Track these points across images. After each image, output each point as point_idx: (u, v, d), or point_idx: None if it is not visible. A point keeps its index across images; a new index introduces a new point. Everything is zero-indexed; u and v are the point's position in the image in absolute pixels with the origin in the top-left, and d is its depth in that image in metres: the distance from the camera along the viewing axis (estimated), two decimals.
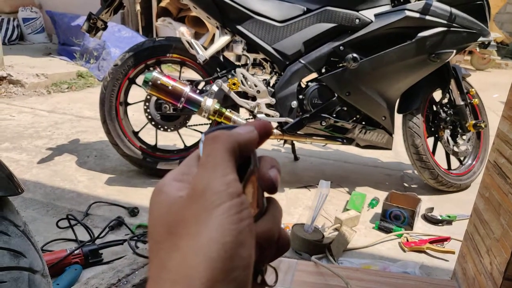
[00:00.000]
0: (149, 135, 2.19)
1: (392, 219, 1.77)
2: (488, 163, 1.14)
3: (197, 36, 5.25)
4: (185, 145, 2.13)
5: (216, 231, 0.24)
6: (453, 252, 1.59)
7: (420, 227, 1.82)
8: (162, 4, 5.21)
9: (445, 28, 1.86)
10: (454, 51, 1.89)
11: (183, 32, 1.88)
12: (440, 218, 1.85)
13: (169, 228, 0.26)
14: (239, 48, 1.91)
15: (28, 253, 0.70)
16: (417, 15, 1.84)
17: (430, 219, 1.86)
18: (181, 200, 0.26)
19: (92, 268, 1.37)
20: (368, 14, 1.89)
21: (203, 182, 0.26)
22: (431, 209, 1.92)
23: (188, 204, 0.26)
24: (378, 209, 1.89)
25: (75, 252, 1.35)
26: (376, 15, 1.88)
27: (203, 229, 0.24)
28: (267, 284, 0.30)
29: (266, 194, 0.30)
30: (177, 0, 1.96)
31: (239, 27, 1.87)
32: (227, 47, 1.97)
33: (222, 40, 1.90)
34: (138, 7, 5.21)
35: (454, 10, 1.87)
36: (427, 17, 1.84)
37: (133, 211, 1.73)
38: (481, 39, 1.94)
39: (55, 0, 5.43)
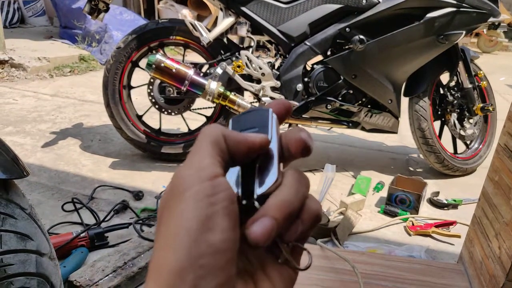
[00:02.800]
0: (153, 118, 2.17)
1: (398, 203, 1.76)
2: (498, 146, 1.12)
3: (199, 18, 5.18)
4: (189, 129, 2.12)
5: (183, 216, 0.23)
6: (459, 236, 1.59)
7: (426, 211, 1.81)
8: None
9: (454, 9, 1.82)
10: (464, 32, 1.85)
11: (186, 14, 1.85)
12: (446, 202, 1.84)
13: (160, 217, 0.25)
14: (243, 30, 1.88)
15: (35, 236, 0.69)
16: None
17: (436, 203, 1.85)
18: (168, 188, 0.26)
19: (98, 251, 1.38)
20: None
21: (180, 168, 0.25)
22: (437, 193, 1.91)
23: (169, 190, 0.25)
24: (384, 193, 1.88)
25: (81, 235, 1.36)
26: None
27: (173, 215, 0.24)
28: (293, 265, 0.27)
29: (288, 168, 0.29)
30: None
31: (244, 9, 1.84)
32: (231, 29, 1.93)
33: (226, 21, 1.87)
34: None
35: None
36: None
37: (138, 195, 1.73)
38: (491, 19, 1.90)
39: None
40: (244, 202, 0.26)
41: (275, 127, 0.29)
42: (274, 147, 0.28)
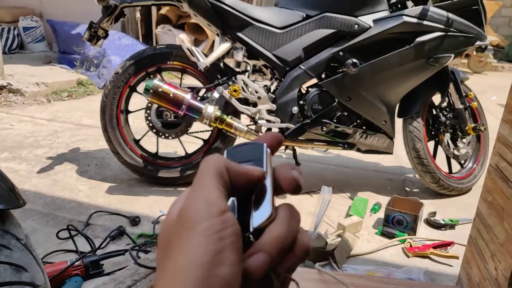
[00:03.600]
0: (150, 142, 2.19)
1: (395, 224, 1.76)
2: (490, 167, 1.13)
3: (196, 42, 5.27)
4: (186, 153, 2.13)
5: (193, 251, 0.24)
6: (457, 257, 1.58)
7: (423, 231, 1.81)
8: (162, 11, 5.23)
9: (442, 33, 1.87)
10: (452, 55, 1.89)
11: (183, 39, 1.89)
12: (443, 222, 1.84)
13: (163, 249, 0.26)
14: (239, 55, 1.92)
15: (29, 267, 0.69)
16: (414, 20, 1.85)
17: (433, 224, 1.86)
18: (173, 220, 0.27)
19: (93, 279, 1.36)
20: (366, 19, 1.89)
21: (187, 202, 0.26)
22: (434, 213, 1.91)
23: (176, 224, 0.26)
24: (381, 214, 1.88)
25: (76, 263, 1.34)
26: (374, 21, 1.89)
27: (182, 250, 0.24)
28: None
29: (282, 201, 0.30)
30: (177, 8, 1.97)
31: (240, 34, 1.88)
32: (228, 53, 1.97)
33: (222, 47, 1.91)
34: (138, 15, 5.24)
35: (451, 15, 1.87)
36: (425, 22, 1.85)
37: (135, 220, 1.72)
38: (478, 43, 1.95)
39: (56, 9, 5.46)
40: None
41: (269, 162, 0.31)
42: (268, 181, 0.30)
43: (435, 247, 1.64)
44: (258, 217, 0.28)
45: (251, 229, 0.27)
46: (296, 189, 0.30)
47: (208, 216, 0.25)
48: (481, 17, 1.96)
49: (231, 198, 0.29)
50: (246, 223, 0.28)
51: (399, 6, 2.03)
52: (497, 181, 1.07)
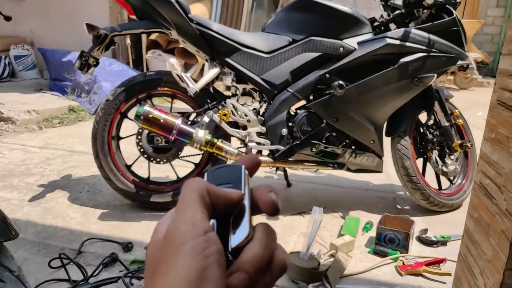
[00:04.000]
0: (142, 167, 2.20)
1: (387, 242, 1.77)
2: (475, 184, 1.16)
3: (186, 66, 5.34)
4: (178, 177, 2.14)
5: (181, 269, 0.26)
6: (449, 274, 1.59)
7: (416, 249, 1.83)
8: (152, 37, 5.31)
9: (425, 54, 1.93)
10: (435, 75, 1.95)
11: (173, 63, 1.93)
12: (435, 239, 1.86)
13: (152, 268, 0.28)
14: (228, 80, 1.96)
15: None
16: (397, 42, 1.91)
17: (425, 241, 1.87)
18: (159, 241, 0.29)
19: None
20: (351, 42, 1.95)
21: (173, 224, 0.28)
22: (425, 230, 1.93)
23: (163, 244, 0.28)
24: (373, 232, 1.89)
25: None
26: (359, 43, 1.95)
27: (171, 269, 0.26)
28: None
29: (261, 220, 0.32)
30: (166, 35, 2.02)
31: (228, 60, 1.92)
32: (217, 78, 2.01)
33: (211, 72, 1.95)
34: (128, 41, 5.31)
35: (432, 37, 1.94)
36: (407, 44, 1.91)
37: (127, 246, 1.71)
38: (459, 62, 2.02)
39: (47, 37, 5.52)
40: None
41: (247, 183, 0.33)
42: (246, 202, 0.32)
43: (427, 264, 1.65)
44: (236, 237, 0.30)
45: (229, 249, 0.29)
46: (275, 211, 0.32)
47: (193, 236, 0.27)
48: (461, 38, 2.03)
49: (212, 220, 0.31)
50: (225, 243, 0.29)
51: (382, 28, 2.11)
52: (481, 198, 1.10)
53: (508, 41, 1.06)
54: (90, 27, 1.86)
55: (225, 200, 0.30)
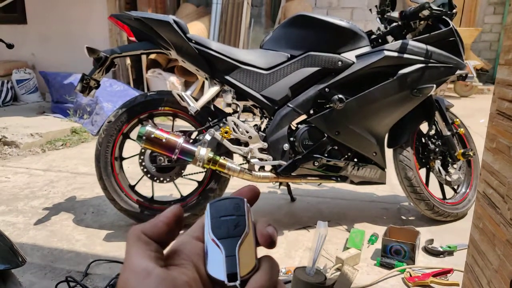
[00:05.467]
0: (145, 186, 2.20)
1: (393, 254, 1.76)
2: (478, 194, 1.17)
3: (187, 84, 5.39)
4: (181, 195, 2.14)
5: None
6: (457, 285, 1.58)
7: (422, 260, 1.81)
8: (152, 56, 5.38)
9: (423, 65, 1.95)
10: (434, 85, 1.97)
11: (174, 82, 1.95)
12: (441, 249, 1.85)
13: None
14: (228, 97, 1.98)
15: None
16: (395, 54, 1.93)
17: (431, 251, 1.86)
18: None
19: None
20: (349, 56, 1.98)
21: (121, 276, 0.29)
22: (431, 240, 1.92)
23: None
24: (378, 244, 1.88)
25: None
26: (357, 57, 1.97)
27: None
28: None
29: (264, 252, 0.33)
30: (165, 55, 2.05)
31: (228, 77, 1.95)
32: (217, 96, 2.03)
33: (211, 90, 1.97)
34: (128, 61, 5.37)
35: (430, 47, 1.96)
36: (405, 55, 1.94)
37: None
38: (458, 72, 2.03)
39: (48, 61, 5.60)
40: (229, 284, 0.30)
41: (250, 216, 0.34)
42: (251, 234, 0.33)
43: (435, 275, 1.64)
44: (244, 268, 0.31)
45: (238, 279, 0.31)
46: (271, 245, 0.33)
47: (136, 282, 0.28)
48: (459, 48, 2.05)
49: (222, 255, 0.32)
50: (234, 274, 0.31)
51: (379, 41, 2.13)
52: (485, 207, 1.10)
53: (505, 51, 1.07)
54: (91, 50, 1.89)
55: (162, 223, 0.32)
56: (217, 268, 0.31)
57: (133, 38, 1.98)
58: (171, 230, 0.32)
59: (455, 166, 2.24)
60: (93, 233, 2.05)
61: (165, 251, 0.32)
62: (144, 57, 5.42)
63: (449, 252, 1.85)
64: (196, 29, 5.22)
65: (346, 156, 2.03)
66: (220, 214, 0.33)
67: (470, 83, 6.49)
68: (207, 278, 0.31)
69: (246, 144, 1.97)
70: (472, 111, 5.03)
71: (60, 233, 2.04)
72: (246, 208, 0.34)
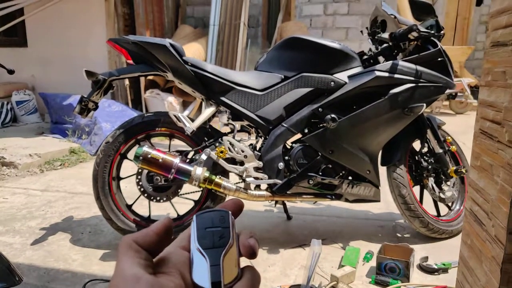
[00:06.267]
0: (142, 205, 2.22)
1: (388, 271, 1.78)
2: (466, 211, 1.19)
3: (185, 104, 5.44)
4: (178, 214, 2.16)
5: None
6: None
7: (417, 277, 1.82)
8: (149, 77, 5.44)
9: (413, 84, 2.00)
10: (425, 104, 2.01)
11: (171, 102, 1.99)
12: (436, 266, 1.86)
13: None
14: (224, 118, 2.02)
15: None
16: (386, 74, 1.99)
17: (426, 269, 1.87)
18: None
19: None
20: (341, 76, 2.03)
21: (110, 283, 0.31)
22: (426, 258, 1.93)
23: None
24: (373, 262, 1.89)
25: None
26: (349, 77, 2.02)
27: None
28: None
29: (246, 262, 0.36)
30: (162, 77, 2.10)
31: (223, 98, 1.99)
32: (213, 116, 2.08)
33: (207, 111, 2.02)
34: (126, 82, 5.44)
35: (420, 67, 2.02)
36: (396, 75, 1.99)
37: None
38: (448, 91, 2.08)
39: (48, 82, 5.67)
40: None
41: (234, 228, 0.37)
42: (235, 245, 0.36)
43: None
44: (227, 277, 0.34)
45: (222, 287, 0.33)
46: (252, 255, 0.35)
47: None
48: (448, 67, 2.10)
49: (206, 264, 0.34)
50: (219, 282, 0.33)
51: (371, 61, 2.19)
52: (472, 224, 1.13)
53: (485, 73, 1.12)
54: (89, 73, 1.94)
55: (153, 233, 0.34)
56: (202, 277, 0.33)
57: (131, 61, 2.03)
58: (161, 240, 0.34)
59: (448, 183, 2.26)
60: (90, 253, 2.06)
61: (154, 260, 0.34)
62: (142, 78, 5.49)
63: (444, 270, 1.86)
64: (194, 50, 5.32)
65: (340, 174, 2.06)
66: (206, 226, 0.36)
67: (465, 100, 6.58)
68: (192, 286, 0.34)
69: (242, 163, 2.00)
70: (467, 128, 5.08)
71: (56, 253, 2.05)
72: (231, 221, 0.37)
